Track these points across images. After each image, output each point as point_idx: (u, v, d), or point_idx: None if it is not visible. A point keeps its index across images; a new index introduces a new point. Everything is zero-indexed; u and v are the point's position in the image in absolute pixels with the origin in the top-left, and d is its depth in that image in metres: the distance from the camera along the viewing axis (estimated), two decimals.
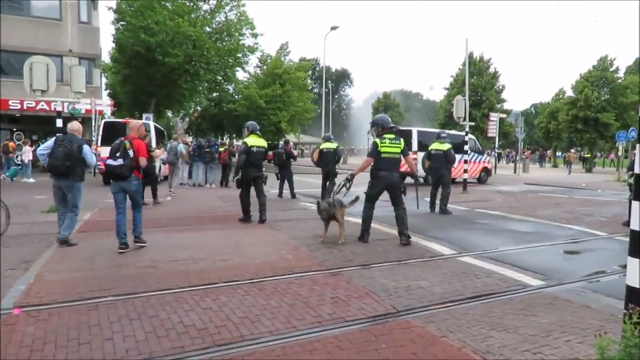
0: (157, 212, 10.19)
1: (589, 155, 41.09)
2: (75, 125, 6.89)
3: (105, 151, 14.32)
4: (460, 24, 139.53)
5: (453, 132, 21.82)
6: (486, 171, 21.93)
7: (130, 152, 6.33)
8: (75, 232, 7.58)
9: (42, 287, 4.73)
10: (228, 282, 4.97)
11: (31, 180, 17.28)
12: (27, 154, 18.07)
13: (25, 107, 21.33)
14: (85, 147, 6.70)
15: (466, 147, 16.76)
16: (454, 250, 6.71)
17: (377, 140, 7.13)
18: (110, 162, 6.31)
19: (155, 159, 10.92)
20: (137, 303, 4.26)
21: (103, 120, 19.69)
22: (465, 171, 16.36)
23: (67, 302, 4.28)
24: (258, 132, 9.09)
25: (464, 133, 17.09)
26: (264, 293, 4.59)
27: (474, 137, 22.45)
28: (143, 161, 6.49)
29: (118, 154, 6.32)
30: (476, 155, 21.08)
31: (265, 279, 5.08)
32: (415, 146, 18.09)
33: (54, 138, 6.82)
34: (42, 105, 20.26)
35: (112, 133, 14.95)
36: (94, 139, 22.28)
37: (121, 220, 6.45)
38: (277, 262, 5.85)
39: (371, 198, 7.28)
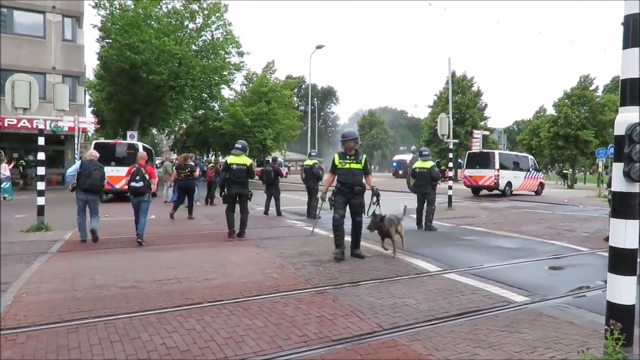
0: None
1: (566, 171, 41.86)
2: (94, 153, 8.89)
3: None
4: (444, 44, 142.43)
5: (515, 153, 28.15)
6: (541, 185, 26.13)
7: (147, 176, 8.34)
8: (55, 253, 7.59)
9: (20, 309, 4.61)
10: (212, 301, 4.90)
11: (9, 197, 16.95)
12: (4, 171, 17.69)
13: (6, 125, 20.99)
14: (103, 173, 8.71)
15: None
16: (439, 267, 6.73)
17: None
18: (134, 184, 8.33)
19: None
20: (119, 325, 4.17)
21: (94, 142, 19.87)
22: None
23: (46, 325, 4.17)
24: (239, 151, 9.23)
25: (526, 154, 23.94)
26: (249, 313, 4.54)
27: (533, 157, 27.39)
28: (155, 181, 8.65)
29: (138, 178, 8.32)
30: (535, 172, 25.70)
31: (251, 298, 5.02)
32: (497, 165, 22.97)
33: (79, 162, 8.73)
34: (24, 123, 19.94)
35: (102, 153, 15.71)
36: (76, 156, 22.05)
37: (142, 224, 8.47)
38: (262, 281, 5.79)
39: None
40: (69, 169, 8.94)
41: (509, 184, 23.68)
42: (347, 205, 7.25)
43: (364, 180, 7.29)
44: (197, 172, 13.55)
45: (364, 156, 7.36)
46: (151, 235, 9.42)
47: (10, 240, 8.65)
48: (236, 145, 9.43)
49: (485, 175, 23.11)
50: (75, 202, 8.64)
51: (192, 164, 13.08)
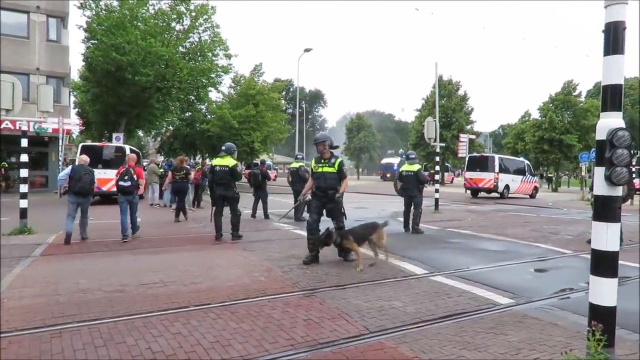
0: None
1: (551, 175, 42.46)
2: (84, 158, 9.42)
3: None
4: (431, 48, 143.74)
5: (513, 158, 29.32)
6: (536, 189, 27.52)
7: (135, 177, 9.05)
8: (38, 257, 7.50)
9: (2, 314, 4.52)
10: (199, 305, 4.86)
11: None
12: None
13: None
14: (94, 177, 9.36)
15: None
16: (426, 270, 6.77)
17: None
18: (122, 183, 9.01)
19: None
20: (104, 329, 4.12)
21: (81, 144, 19.66)
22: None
23: (28, 330, 4.10)
24: (223, 153, 9.38)
25: (522, 159, 26.52)
26: (236, 316, 4.52)
27: (529, 162, 29.04)
28: (142, 182, 9.44)
29: (126, 177, 9.01)
30: (530, 176, 27.11)
31: (238, 302, 5.00)
32: (497, 169, 24.21)
33: (70, 167, 9.29)
34: (7, 125, 19.60)
35: (89, 156, 16.00)
36: (60, 158, 21.74)
37: (125, 221, 8.99)
38: (249, 284, 5.77)
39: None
40: (60, 174, 9.73)
41: (507, 187, 24.96)
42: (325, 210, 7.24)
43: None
44: (192, 175, 13.95)
45: (339, 160, 7.17)
46: (136, 239, 9.34)
47: None
48: (222, 148, 9.56)
49: (485, 178, 24.36)
50: (67, 205, 9.00)
51: (188, 166, 13.37)
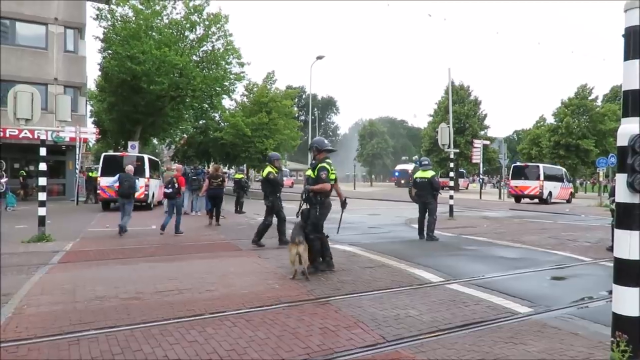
0: (141, 241, 10.03)
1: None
2: (130, 168, 11.84)
3: (104, 181, 18.09)
4: (443, 54, 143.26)
5: (552, 166, 31.06)
6: (572, 194, 30.29)
7: (177, 184, 11.21)
8: (56, 264, 7.62)
9: (21, 321, 4.58)
10: (214, 313, 4.87)
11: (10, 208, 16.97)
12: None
13: (7, 135, 21.04)
14: (136, 182, 11.96)
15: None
16: (441, 278, 6.69)
17: (327, 166, 6.98)
18: (166, 190, 11.38)
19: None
20: (120, 337, 4.14)
21: (103, 154, 20.51)
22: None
23: (47, 337, 4.14)
24: (267, 163, 9.93)
25: (560, 167, 30.17)
26: (252, 324, 4.51)
27: (565, 170, 31.31)
28: (182, 189, 11.86)
29: (169, 185, 11.22)
30: (568, 183, 29.39)
31: (253, 310, 4.99)
32: (542, 177, 26.15)
33: (117, 175, 11.90)
34: (25, 134, 20.02)
35: (111, 164, 18.06)
36: (77, 167, 22.07)
37: (167, 220, 11.27)
38: (264, 291, 5.77)
39: (321, 227, 7.03)
40: (111, 180, 13.30)
41: (549, 193, 26.81)
42: None
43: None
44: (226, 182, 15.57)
45: (320, 165, 6.94)
46: (152, 246, 9.42)
47: (11, 251, 8.62)
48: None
49: (531, 186, 26.36)
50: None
51: (224, 174, 14.61)
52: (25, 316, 4.74)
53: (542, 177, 26.12)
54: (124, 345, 3.93)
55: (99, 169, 19.04)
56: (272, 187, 9.49)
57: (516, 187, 26.94)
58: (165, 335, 4.17)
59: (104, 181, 17.54)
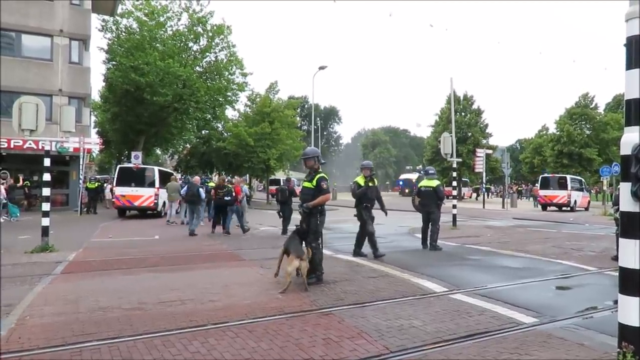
0: (144, 251, 10.03)
1: None
2: (197, 178, 15.09)
3: (119, 190, 19.74)
4: (445, 63, 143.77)
5: (574, 176, 32.38)
6: (589, 202, 32.20)
7: (233, 193, 13.40)
8: (59, 274, 7.61)
9: (23, 332, 4.57)
10: (217, 323, 4.85)
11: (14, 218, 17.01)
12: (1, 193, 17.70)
13: (12, 146, 21.16)
14: (200, 190, 14.18)
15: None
16: (445, 288, 6.65)
17: (325, 175, 7.02)
18: (225, 198, 13.26)
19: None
20: (123, 348, 4.13)
21: (119, 166, 22.68)
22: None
23: (49, 348, 4.13)
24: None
25: (579, 177, 32.26)
26: (254, 335, 4.49)
27: (583, 180, 33.57)
28: (238, 197, 13.73)
29: (227, 193, 13.26)
30: (586, 192, 32.02)
31: (256, 320, 4.97)
32: (569, 187, 28.64)
33: (186, 185, 15.06)
34: (30, 144, 20.15)
35: (126, 176, 19.90)
36: (81, 177, 22.14)
37: (228, 222, 13.72)
38: (267, 302, 5.74)
39: (320, 234, 6.98)
40: (182, 189, 15.33)
41: (575, 202, 29.11)
42: None
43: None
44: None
45: (318, 175, 6.88)
46: (154, 256, 9.41)
47: (14, 261, 8.63)
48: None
49: (559, 195, 28.88)
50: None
51: (230, 185, 14.75)
52: (28, 327, 4.73)
53: (569, 187, 28.57)
54: (126, 356, 3.92)
55: (114, 179, 20.82)
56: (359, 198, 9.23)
57: (545, 196, 29.52)
58: (167, 346, 4.15)
59: (119, 190, 19.43)
